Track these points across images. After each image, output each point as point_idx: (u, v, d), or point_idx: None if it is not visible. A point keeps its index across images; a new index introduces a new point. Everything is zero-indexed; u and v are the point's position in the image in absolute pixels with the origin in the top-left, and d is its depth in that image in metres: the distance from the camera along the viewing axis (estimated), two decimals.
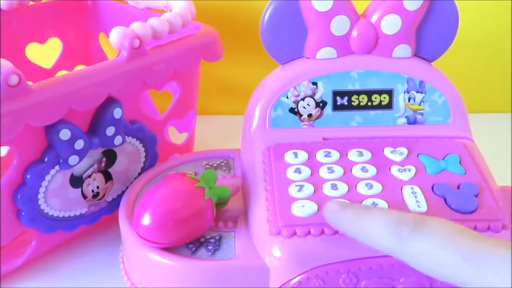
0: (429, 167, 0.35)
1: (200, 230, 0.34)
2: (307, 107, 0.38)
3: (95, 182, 0.39)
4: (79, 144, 0.36)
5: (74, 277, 0.39)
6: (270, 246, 0.31)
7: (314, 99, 0.38)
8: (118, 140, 0.38)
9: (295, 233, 0.31)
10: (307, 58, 0.37)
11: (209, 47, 0.43)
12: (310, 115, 0.38)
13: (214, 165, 0.42)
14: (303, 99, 0.37)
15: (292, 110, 0.38)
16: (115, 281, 0.38)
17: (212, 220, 0.34)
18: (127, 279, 0.37)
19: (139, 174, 0.42)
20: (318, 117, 0.38)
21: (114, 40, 0.37)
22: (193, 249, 0.34)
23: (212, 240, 0.34)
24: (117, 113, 0.37)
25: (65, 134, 0.35)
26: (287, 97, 0.37)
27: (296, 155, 0.36)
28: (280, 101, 0.37)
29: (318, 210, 0.32)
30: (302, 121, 0.38)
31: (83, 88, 0.35)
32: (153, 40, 0.39)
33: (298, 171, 0.35)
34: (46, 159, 0.35)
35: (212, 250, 0.33)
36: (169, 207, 0.33)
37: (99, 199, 0.40)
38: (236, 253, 0.33)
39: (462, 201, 0.32)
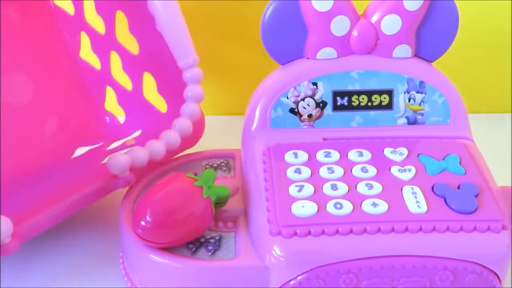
0: (429, 167, 0.35)
1: (199, 230, 0.34)
2: (307, 107, 0.38)
3: None
4: None
5: (74, 277, 0.39)
6: (270, 246, 0.31)
7: (314, 100, 0.37)
8: None
9: (295, 233, 0.31)
10: (307, 58, 0.37)
11: None
12: (310, 116, 0.38)
13: (214, 165, 0.42)
14: (303, 99, 0.37)
15: (292, 111, 0.38)
16: (115, 281, 0.38)
17: (211, 219, 0.34)
18: (127, 279, 0.37)
19: None
20: (318, 117, 0.38)
21: None
22: (193, 249, 0.34)
23: (212, 240, 0.34)
24: None
25: None
26: (287, 98, 0.37)
27: (296, 155, 0.36)
28: (280, 101, 0.37)
29: (318, 210, 0.32)
30: (302, 121, 0.38)
31: None
32: None
33: (298, 171, 0.35)
34: None
35: (212, 250, 0.34)
36: (167, 207, 0.33)
37: None
38: (236, 253, 0.33)
39: (462, 202, 0.32)
